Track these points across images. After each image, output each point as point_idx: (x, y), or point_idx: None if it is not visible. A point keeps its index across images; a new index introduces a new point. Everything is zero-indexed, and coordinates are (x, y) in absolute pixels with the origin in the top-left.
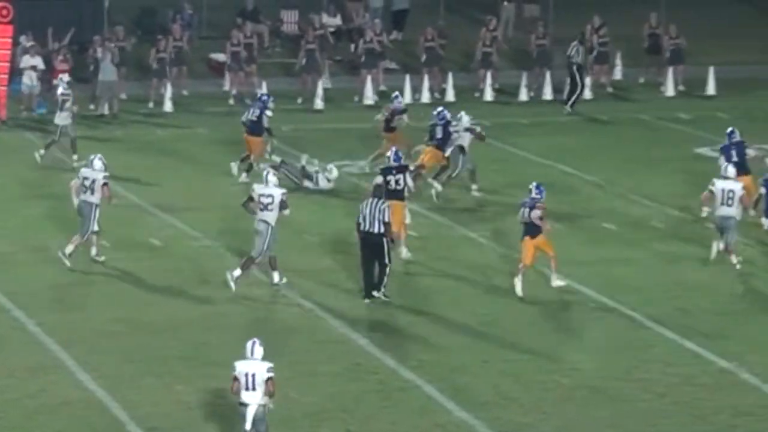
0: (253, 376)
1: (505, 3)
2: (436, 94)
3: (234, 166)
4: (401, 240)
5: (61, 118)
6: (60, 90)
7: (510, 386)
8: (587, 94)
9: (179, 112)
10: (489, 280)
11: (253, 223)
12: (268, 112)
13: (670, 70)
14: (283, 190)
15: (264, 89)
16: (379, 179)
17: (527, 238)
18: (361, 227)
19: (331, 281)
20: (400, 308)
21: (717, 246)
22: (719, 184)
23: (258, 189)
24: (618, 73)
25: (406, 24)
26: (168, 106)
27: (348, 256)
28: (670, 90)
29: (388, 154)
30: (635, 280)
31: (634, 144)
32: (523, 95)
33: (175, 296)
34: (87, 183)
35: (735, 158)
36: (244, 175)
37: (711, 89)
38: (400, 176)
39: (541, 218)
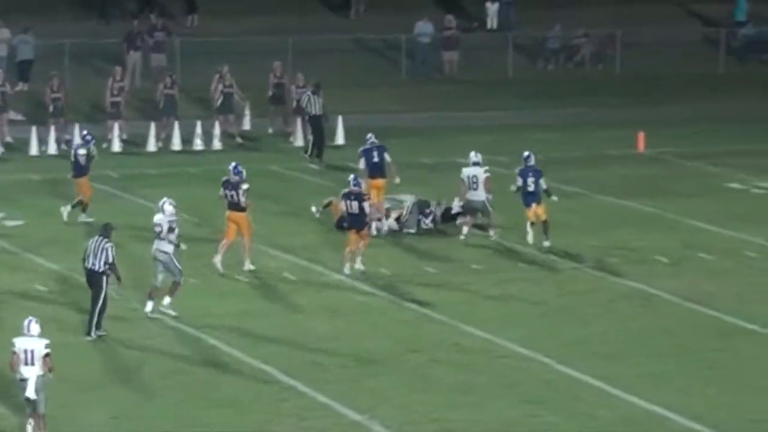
0: (32, 352)
1: (132, 52)
2: (63, 146)
3: (64, 212)
4: (246, 252)
5: None
6: None
7: None
8: (217, 144)
9: None
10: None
11: None
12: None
13: (299, 120)
14: (172, 218)
15: (85, 131)
16: (221, 191)
17: (353, 230)
18: (84, 263)
19: None
20: None
21: (466, 229)
22: (465, 171)
23: (155, 218)
24: (247, 123)
25: (31, 74)
26: None
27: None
28: (299, 140)
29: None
30: (268, 333)
31: (263, 196)
32: (152, 146)
33: None
34: None
35: (375, 159)
36: (83, 215)
37: (340, 138)
38: (234, 192)
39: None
